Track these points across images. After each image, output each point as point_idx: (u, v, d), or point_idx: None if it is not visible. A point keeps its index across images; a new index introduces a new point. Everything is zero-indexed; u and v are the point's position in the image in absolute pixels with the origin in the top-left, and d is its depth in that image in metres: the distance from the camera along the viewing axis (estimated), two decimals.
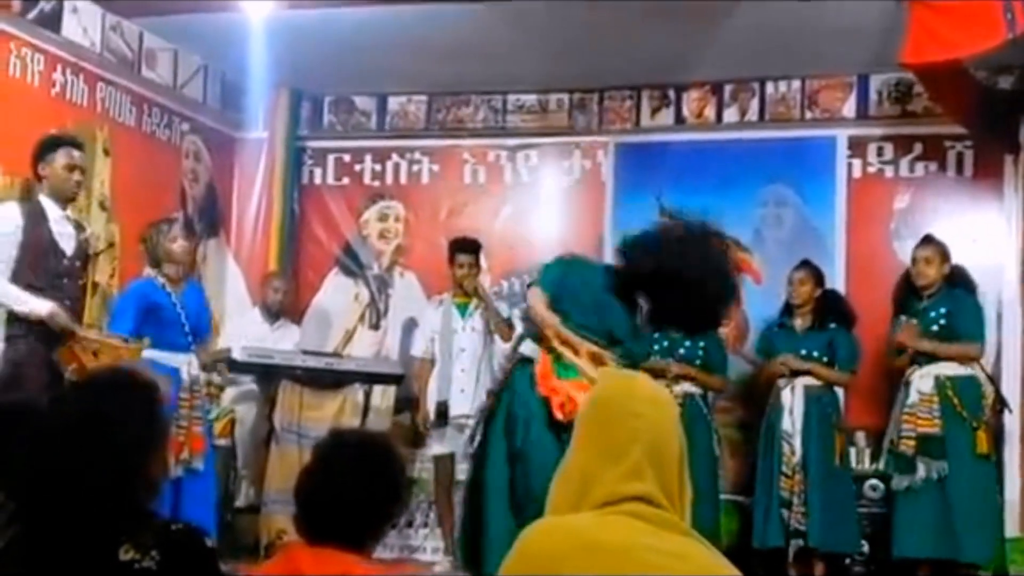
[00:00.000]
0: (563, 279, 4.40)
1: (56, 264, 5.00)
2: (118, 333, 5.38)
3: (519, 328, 5.86)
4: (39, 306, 4.87)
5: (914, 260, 5.81)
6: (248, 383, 6.72)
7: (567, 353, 4.23)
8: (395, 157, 7.54)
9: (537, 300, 4.33)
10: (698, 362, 6.17)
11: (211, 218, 7.35)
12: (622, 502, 1.79)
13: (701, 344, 6.17)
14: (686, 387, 6.07)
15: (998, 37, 4.89)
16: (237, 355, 6.30)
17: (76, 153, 5.16)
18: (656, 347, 6.16)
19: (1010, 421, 6.00)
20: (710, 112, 7.01)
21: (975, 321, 5.72)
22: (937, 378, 5.58)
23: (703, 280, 4.19)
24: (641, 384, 1.95)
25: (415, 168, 7.51)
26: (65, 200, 5.11)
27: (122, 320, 5.48)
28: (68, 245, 5.07)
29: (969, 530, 5.41)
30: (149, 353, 5.40)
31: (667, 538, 1.78)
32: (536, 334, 4.39)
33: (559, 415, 4.17)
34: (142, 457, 1.97)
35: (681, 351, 6.16)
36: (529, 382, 4.32)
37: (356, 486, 2.12)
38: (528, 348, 4.43)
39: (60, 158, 4.99)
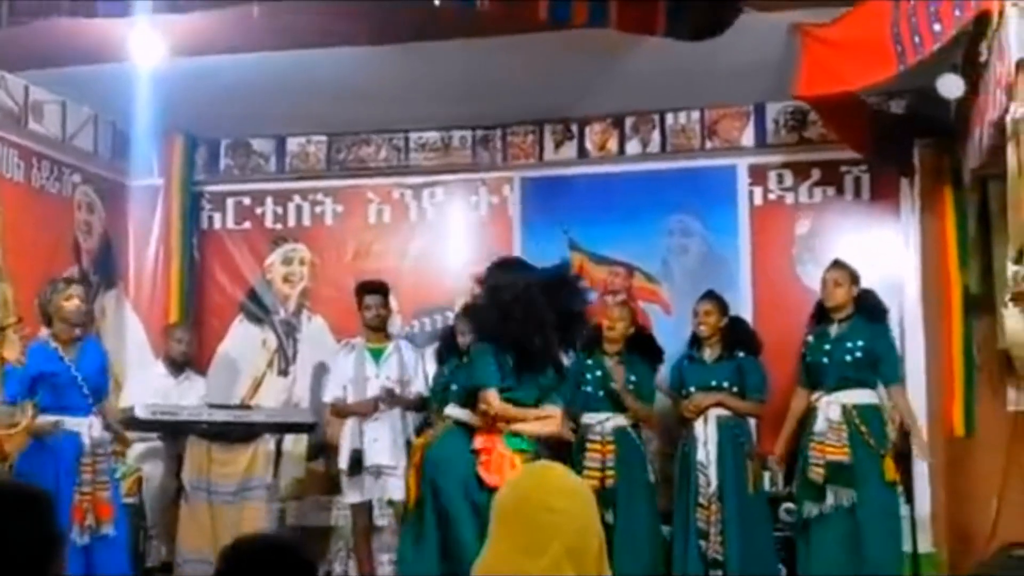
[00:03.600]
0: (497, 364, 4.55)
1: None
2: (9, 399, 5.21)
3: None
4: None
5: (823, 283, 5.91)
6: (154, 439, 6.54)
7: (519, 427, 4.49)
8: (297, 199, 7.43)
9: (494, 397, 4.53)
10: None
11: (108, 270, 7.16)
12: None
13: (633, 378, 6.19)
14: (618, 420, 6.08)
15: (889, 70, 4.99)
16: (140, 413, 6.14)
17: None
18: (589, 375, 6.18)
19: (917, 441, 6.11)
20: (613, 144, 7.05)
21: (894, 361, 5.87)
22: (844, 407, 5.67)
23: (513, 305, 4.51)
24: (558, 476, 1.92)
25: (318, 209, 7.41)
26: None
27: (8, 386, 5.29)
28: None
29: (877, 556, 5.51)
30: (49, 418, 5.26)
31: None
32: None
33: (484, 473, 4.23)
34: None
35: (613, 384, 6.17)
36: (459, 446, 4.35)
37: None
38: (457, 411, 4.50)
39: None
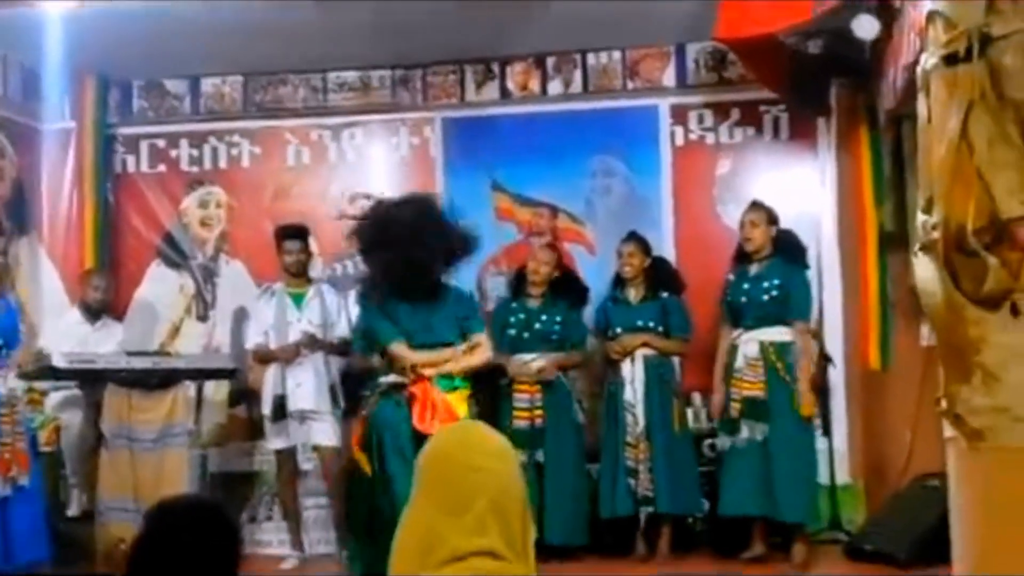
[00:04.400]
0: (389, 323, 4.50)
1: None
2: None
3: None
4: None
5: (741, 224, 5.96)
6: (72, 388, 6.42)
7: (448, 368, 4.44)
8: (213, 141, 7.28)
9: (401, 350, 4.48)
10: (554, 337, 6.21)
11: (20, 216, 6.96)
12: (466, 558, 1.77)
13: (558, 319, 6.22)
14: (542, 363, 6.10)
15: (805, 13, 5.04)
16: (57, 362, 6.00)
17: None
18: (512, 319, 6.20)
19: (835, 375, 6.26)
20: (535, 85, 7.01)
21: (805, 299, 5.92)
22: (761, 343, 5.76)
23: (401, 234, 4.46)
24: (480, 435, 1.93)
25: (234, 152, 7.27)
26: None
27: None
28: None
29: (789, 490, 5.61)
30: None
31: None
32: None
33: (419, 425, 4.22)
34: None
35: (537, 325, 6.20)
36: (395, 408, 4.36)
37: (189, 553, 2.03)
38: (383, 379, 4.48)
39: None
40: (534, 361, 6.10)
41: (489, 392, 6.26)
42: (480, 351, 4.55)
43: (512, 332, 6.18)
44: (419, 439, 4.24)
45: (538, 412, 6.00)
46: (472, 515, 1.79)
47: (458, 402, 4.38)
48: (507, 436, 2.04)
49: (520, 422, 5.98)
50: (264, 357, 6.30)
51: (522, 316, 6.23)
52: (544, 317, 6.22)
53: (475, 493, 1.81)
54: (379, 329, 4.53)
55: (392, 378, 4.46)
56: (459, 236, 4.57)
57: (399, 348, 4.45)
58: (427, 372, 4.40)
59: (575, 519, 5.94)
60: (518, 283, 6.34)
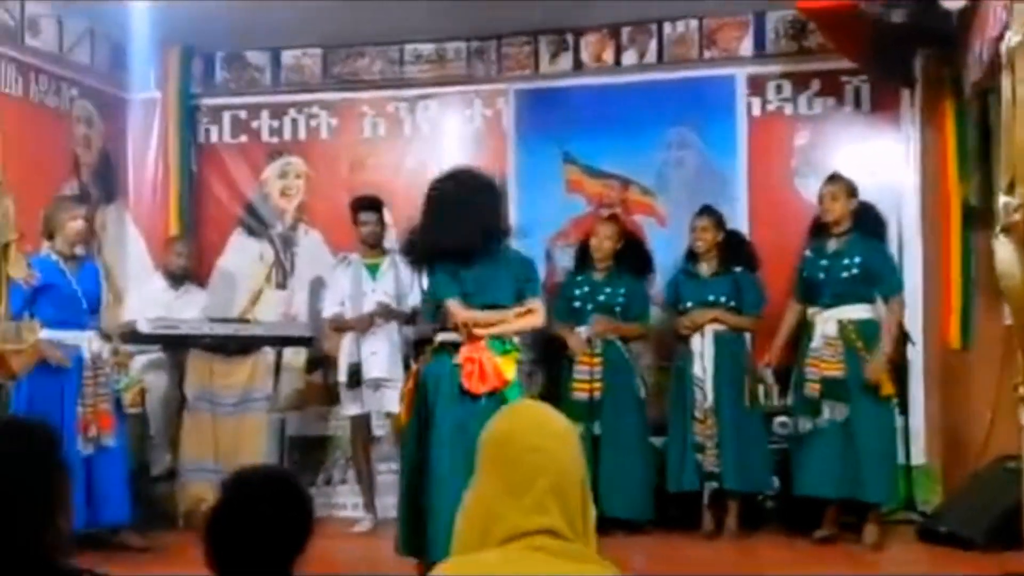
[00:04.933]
0: (449, 278, 4.49)
1: None
2: (14, 314, 5.25)
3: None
4: None
5: (820, 197, 5.84)
6: (156, 352, 6.61)
7: (499, 329, 4.39)
8: (292, 112, 7.38)
9: (454, 307, 4.45)
10: (618, 309, 6.21)
11: (107, 184, 7.15)
12: (526, 536, 1.79)
13: (623, 291, 6.20)
14: (596, 330, 6.09)
15: None
16: (142, 327, 6.21)
17: None
18: (577, 291, 6.20)
19: (913, 353, 6.14)
20: (609, 55, 6.95)
21: (892, 275, 5.80)
22: (840, 322, 5.65)
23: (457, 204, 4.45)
24: (541, 416, 1.94)
25: (313, 123, 7.36)
26: None
27: (13, 300, 5.33)
28: None
29: (870, 470, 5.53)
30: (50, 333, 5.31)
31: (573, 569, 1.79)
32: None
33: (467, 384, 4.25)
34: (48, 515, 1.92)
35: (601, 297, 6.19)
36: (446, 365, 4.39)
37: (264, 522, 2.10)
38: (441, 335, 4.50)
39: None
40: (590, 331, 6.08)
41: (551, 364, 6.30)
42: (532, 316, 4.49)
43: (576, 305, 6.19)
44: (465, 398, 4.30)
45: (597, 384, 5.99)
46: (532, 496, 1.81)
47: (507, 365, 4.36)
48: (565, 408, 2.06)
49: (579, 394, 5.97)
50: (340, 326, 6.41)
51: (587, 289, 6.23)
52: (608, 289, 6.21)
53: (535, 474, 1.82)
54: (437, 284, 4.57)
55: (447, 336, 4.48)
56: (493, 219, 4.54)
57: (453, 305, 4.45)
58: (478, 332, 4.38)
59: (638, 493, 5.95)
60: (583, 256, 6.33)
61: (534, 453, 1.84)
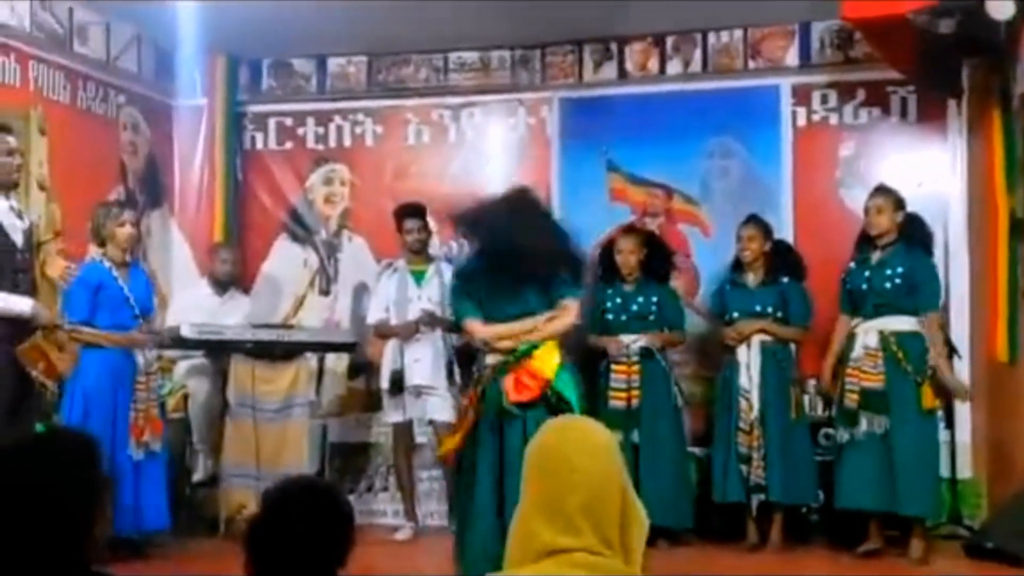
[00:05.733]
0: (469, 297, 4.50)
1: (10, 258, 4.93)
2: (75, 319, 5.34)
3: None
4: (19, 304, 4.82)
5: (866, 210, 5.79)
6: (199, 357, 6.66)
7: (532, 336, 4.37)
8: (337, 119, 7.42)
9: (477, 329, 4.46)
10: (652, 317, 6.19)
11: (153, 190, 7.22)
12: (560, 553, 1.81)
13: (655, 299, 6.19)
14: (643, 342, 6.09)
15: None
16: (186, 332, 6.24)
17: (10, 138, 5.08)
18: (609, 303, 6.20)
19: (960, 366, 6.08)
20: (653, 64, 6.95)
21: (933, 289, 5.75)
22: (881, 333, 5.61)
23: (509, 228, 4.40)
24: (581, 433, 1.95)
25: (358, 130, 7.40)
26: (7, 188, 5.02)
27: (78, 306, 5.43)
28: (18, 237, 5.01)
29: (910, 483, 5.48)
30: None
31: None
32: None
33: (512, 396, 4.25)
34: (87, 523, 1.94)
35: (634, 307, 6.18)
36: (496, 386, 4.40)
37: (305, 537, 2.11)
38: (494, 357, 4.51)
39: None
40: (635, 342, 6.07)
41: (588, 374, 6.28)
42: (562, 317, 4.41)
43: (610, 317, 6.17)
44: (503, 418, 4.29)
45: (635, 392, 5.98)
46: (563, 516, 1.82)
47: (546, 356, 4.32)
48: (603, 417, 2.06)
49: (616, 402, 5.96)
50: (384, 332, 6.44)
51: (618, 300, 6.20)
52: (640, 299, 6.20)
53: (568, 493, 1.83)
54: (456, 306, 4.58)
55: (495, 358, 4.47)
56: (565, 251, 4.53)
57: (471, 324, 4.44)
58: (502, 345, 4.37)
59: (677, 502, 5.92)
60: (609, 266, 6.26)
61: (570, 473, 1.86)
